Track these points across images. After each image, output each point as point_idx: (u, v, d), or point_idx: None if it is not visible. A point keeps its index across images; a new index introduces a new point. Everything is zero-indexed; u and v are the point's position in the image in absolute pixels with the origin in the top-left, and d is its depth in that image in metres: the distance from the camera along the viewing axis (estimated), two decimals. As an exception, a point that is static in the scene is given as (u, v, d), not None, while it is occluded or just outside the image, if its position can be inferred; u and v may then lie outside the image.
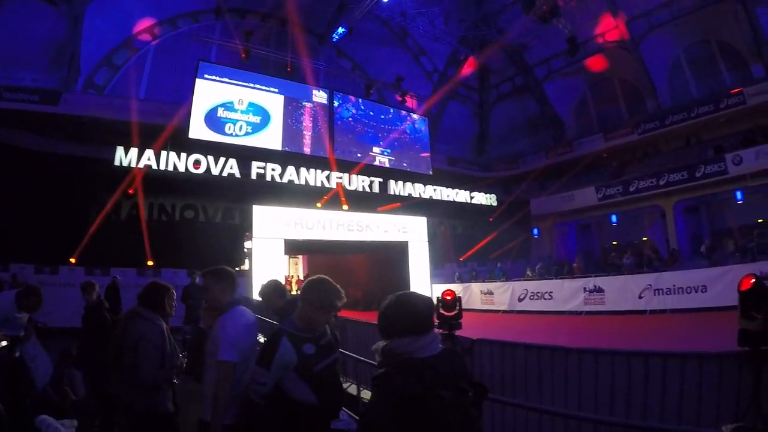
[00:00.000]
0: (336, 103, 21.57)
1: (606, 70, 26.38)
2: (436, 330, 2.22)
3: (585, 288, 16.57)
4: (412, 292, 2.17)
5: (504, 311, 18.56)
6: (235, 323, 3.14)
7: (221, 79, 18.64)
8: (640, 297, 15.26)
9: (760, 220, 20.96)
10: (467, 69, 27.08)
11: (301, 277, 22.31)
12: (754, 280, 5.57)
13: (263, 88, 19.59)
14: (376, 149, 22.49)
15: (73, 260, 13.99)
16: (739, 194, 20.71)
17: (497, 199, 26.58)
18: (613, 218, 25.00)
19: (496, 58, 27.67)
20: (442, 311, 11.93)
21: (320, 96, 21.16)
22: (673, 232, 22.87)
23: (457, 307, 11.89)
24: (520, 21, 24.15)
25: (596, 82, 27.53)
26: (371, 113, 22.83)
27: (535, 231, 27.19)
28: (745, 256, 16.45)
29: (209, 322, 3.33)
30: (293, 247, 18.06)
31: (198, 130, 17.62)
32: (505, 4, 24.65)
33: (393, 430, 1.85)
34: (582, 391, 5.77)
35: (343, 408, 2.80)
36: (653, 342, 9.70)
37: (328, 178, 19.86)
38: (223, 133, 18.13)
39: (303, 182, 19.17)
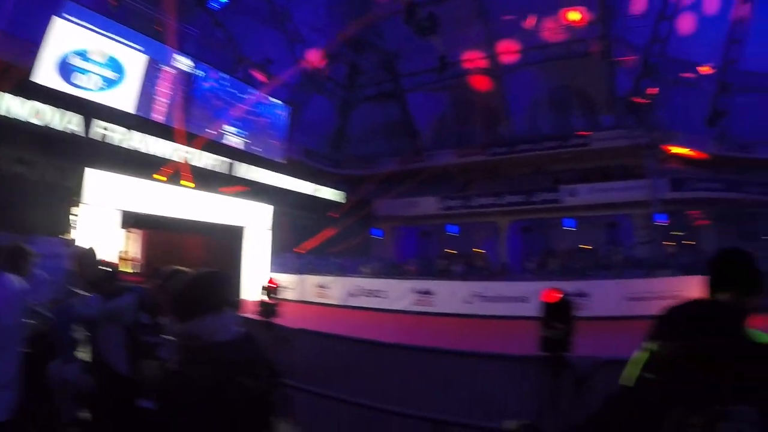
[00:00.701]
0: (200, 74, 21.70)
1: (471, 92, 29.52)
2: (237, 312, 2.28)
3: (416, 289, 19.15)
4: (207, 270, 2.31)
5: (337, 305, 20.41)
6: None
7: (83, 24, 17.69)
8: (467, 302, 17.93)
9: (587, 246, 25.31)
10: (321, 62, 28.39)
11: (138, 255, 22.39)
12: (561, 295, 7.59)
13: (127, 42, 19.03)
14: (231, 128, 22.91)
15: None
16: (569, 222, 25.43)
17: (345, 197, 28.67)
18: (453, 229, 28.43)
19: (368, 60, 29.68)
20: (264, 299, 13.68)
21: (184, 63, 21.07)
22: (504, 247, 26.79)
23: (277, 296, 13.66)
24: (400, 30, 26.34)
25: (459, 102, 30.97)
26: (233, 91, 23.12)
27: (378, 232, 29.74)
28: (565, 275, 19.61)
29: None
30: (131, 221, 18.23)
31: (45, 75, 16.75)
32: (391, 11, 26.52)
33: (201, 416, 1.94)
34: (394, 384, 6.81)
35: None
36: (472, 343, 11.41)
37: (175, 150, 19.83)
38: (73, 84, 17.42)
39: (149, 151, 18.98)
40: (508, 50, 28.02)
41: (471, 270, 23.06)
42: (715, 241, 23.54)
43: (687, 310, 1.50)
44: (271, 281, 14.13)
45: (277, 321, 12.17)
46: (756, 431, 1.25)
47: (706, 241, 24.43)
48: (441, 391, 6.54)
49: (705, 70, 26.78)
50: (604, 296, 16.52)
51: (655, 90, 25.27)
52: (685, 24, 26.18)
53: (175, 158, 19.83)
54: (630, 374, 1.49)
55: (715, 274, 2.02)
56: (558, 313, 7.36)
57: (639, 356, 1.47)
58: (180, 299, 2.19)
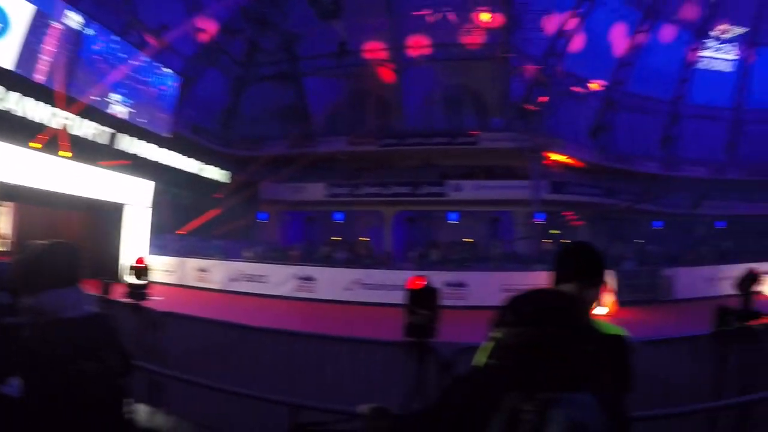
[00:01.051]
0: (90, 33, 20.41)
1: (368, 82, 30.54)
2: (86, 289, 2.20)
3: (298, 275, 19.52)
4: (58, 242, 2.26)
5: (218, 290, 20.23)
6: None
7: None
8: (348, 289, 18.65)
9: (469, 240, 27.49)
10: (219, 35, 28.14)
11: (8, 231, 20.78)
12: (425, 282, 7.98)
13: (14, -10, 17.42)
14: (116, 96, 21.94)
15: None
16: (453, 215, 27.52)
17: (230, 177, 28.65)
18: (339, 216, 29.32)
19: (269, 39, 29.66)
20: (130, 280, 13.48)
21: (74, 19, 19.67)
22: (389, 236, 28.15)
23: (147, 277, 13.49)
24: (304, 12, 26.86)
25: (355, 90, 31.80)
26: (124, 56, 22.03)
27: (263, 215, 29.83)
28: (446, 265, 21.24)
29: None
30: (1, 193, 16.87)
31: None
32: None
33: (52, 397, 1.93)
34: (262, 369, 6.91)
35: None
36: (349, 329, 11.85)
37: (54, 116, 18.64)
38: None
39: (26, 115, 17.72)
40: (409, 45, 29.14)
41: (354, 258, 23.96)
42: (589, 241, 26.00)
43: (530, 299, 1.52)
44: (139, 261, 13.80)
45: (146, 304, 11.91)
46: (593, 419, 1.28)
47: (580, 240, 26.81)
48: (310, 376, 6.79)
49: (594, 86, 29.37)
50: (482, 287, 17.92)
51: (545, 99, 27.25)
52: (580, 43, 28.68)
53: (54, 125, 18.62)
54: (478, 361, 1.54)
55: (559, 266, 2.20)
56: (422, 300, 7.79)
57: (487, 344, 1.49)
58: (28, 270, 2.15)
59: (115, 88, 21.95)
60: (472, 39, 28.29)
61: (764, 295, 15.60)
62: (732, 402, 5.07)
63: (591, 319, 1.93)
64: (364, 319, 15.13)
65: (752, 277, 13.51)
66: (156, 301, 12.27)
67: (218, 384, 5.09)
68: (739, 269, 14.55)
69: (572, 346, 1.37)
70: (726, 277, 19.43)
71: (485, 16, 27.38)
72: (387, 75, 30.12)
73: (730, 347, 5.90)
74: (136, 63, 22.92)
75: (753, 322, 6.01)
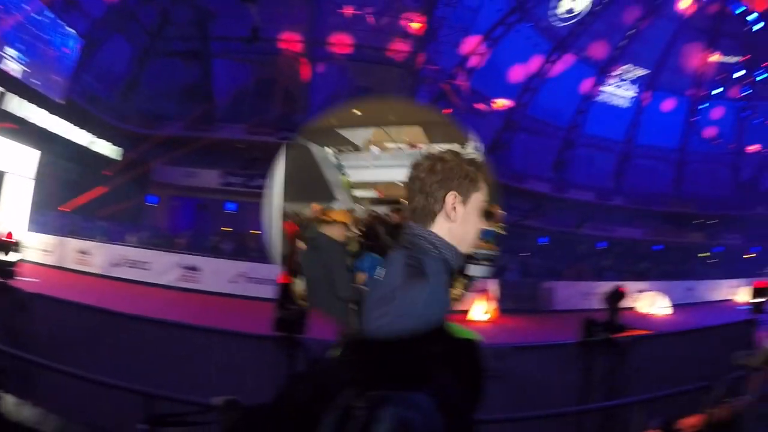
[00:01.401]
0: None
1: (276, 72, 30.48)
2: None
3: (182, 264, 18.93)
4: None
5: (98, 275, 19.14)
6: None
7: None
8: (233, 282, 18.40)
9: None
10: None
11: None
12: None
13: None
14: (12, 51, 20.34)
15: None
16: None
17: (122, 154, 27.43)
18: (232, 206, 29.14)
19: (183, 13, 28.86)
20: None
21: None
22: None
23: (17, 253, 12.71)
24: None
25: (262, 78, 31.53)
26: (27, 7, 20.54)
27: (154, 199, 28.84)
28: None
29: None
30: None
31: None
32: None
33: None
34: (127, 357, 6.79)
35: None
36: (226, 321, 11.78)
37: None
38: None
39: None
40: (324, 41, 29.43)
41: (242, 250, 23.83)
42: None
43: None
44: (8, 235, 12.96)
45: (15, 283, 11.14)
46: (425, 419, 1.26)
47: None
48: (178, 367, 6.83)
49: (497, 106, 31.26)
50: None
51: (448, 111, 28.42)
52: (490, 63, 30.48)
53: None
54: (329, 356, 1.58)
55: None
56: (290, 294, 7.88)
57: (339, 340, 1.54)
58: None
59: (12, 42, 20.40)
60: (388, 44, 28.97)
61: (632, 311, 17.66)
62: (593, 407, 5.80)
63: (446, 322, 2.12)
64: (245, 313, 14.93)
65: (619, 294, 14.88)
66: (28, 282, 11.49)
67: (72, 369, 5.08)
68: (609, 286, 16.01)
69: (416, 345, 1.38)
70: (600, 293, 21.35)
71: (412, 24, 28.19)
72: (297, 68, 30.08)
73: (595, 356, 6.56)
74: (39, 18, 21.46)
75: (618, 335, 6.71)
